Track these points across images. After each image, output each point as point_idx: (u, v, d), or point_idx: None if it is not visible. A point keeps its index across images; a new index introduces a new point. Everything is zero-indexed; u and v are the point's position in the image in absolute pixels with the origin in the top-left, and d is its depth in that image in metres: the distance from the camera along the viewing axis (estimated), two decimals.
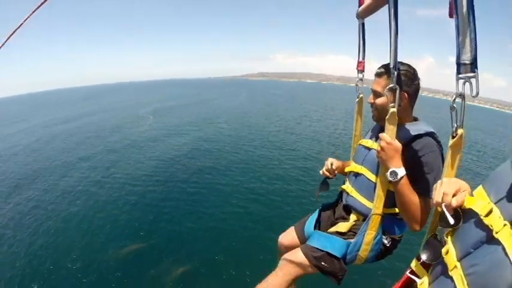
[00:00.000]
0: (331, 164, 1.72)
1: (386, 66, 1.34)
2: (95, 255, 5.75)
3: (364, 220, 1.47)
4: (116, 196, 8.26)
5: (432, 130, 1.31)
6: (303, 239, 1.77)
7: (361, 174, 1.52)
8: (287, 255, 1.58)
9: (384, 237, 1.44)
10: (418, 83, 1.34)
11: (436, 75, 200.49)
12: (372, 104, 1.45)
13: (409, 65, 1.33)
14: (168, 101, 38.35)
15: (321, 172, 1.76)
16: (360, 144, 1.65)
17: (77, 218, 7.18)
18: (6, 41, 1.19)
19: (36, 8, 1.17)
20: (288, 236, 1.90)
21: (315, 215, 1.83)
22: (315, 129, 19.15)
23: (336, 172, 1.73)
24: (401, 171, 1.19)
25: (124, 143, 14.57)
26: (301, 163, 11.32)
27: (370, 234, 1.40)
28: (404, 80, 1.28)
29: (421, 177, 1.23)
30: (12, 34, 1.18)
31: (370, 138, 1.57)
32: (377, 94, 1.40)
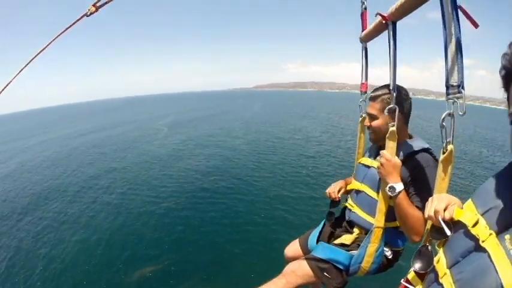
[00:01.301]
0: (334, 191, 1.81)
1: (379, 90, 1.47)
2: (114, 274, 5.37)
3: (366, 234, 1.54)
4: (137, 210, 7.96)
5: (428, 146, 1.39)
6: (306, 251, 1.85)
7: (362, 191, 1.60)
8: (292, 264, 1.64)
9: (385, 249, 1.50)
10: (410, 102, 1.46)
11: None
12: (369, 127, 1.55)
13: (400, 86, 1.42)
14: (183, 113, 38.78)
15: (326, 192, 1.85)
16: (360, 163, 1.74)
17: (95, 234, 6.93)
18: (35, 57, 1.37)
19: (64, 30, 1.35)
20: (293, 247, 1.99)
21: (318, 229, 1.91)
22: (331, 138, 18.91)
23: (339, 195, 1.81)
24: (399, 186, 1.26)
25: (140, 155, 14.55)
26: (323, 169, 10.99)
27: (372, 247, 1.47)
28: (402, 104, 1.39)
29: (419, 191, 1.30)
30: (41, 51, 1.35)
31: (369, 157, 1.66)
32: (373, 117, 1.50)
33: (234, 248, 5.96)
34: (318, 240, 1.82)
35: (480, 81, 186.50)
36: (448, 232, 0.82)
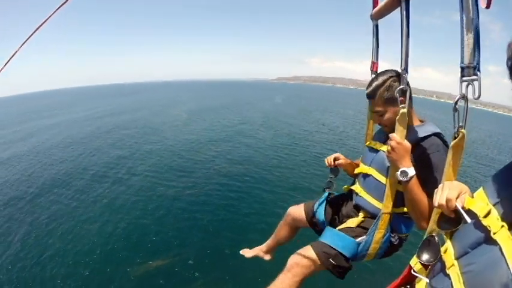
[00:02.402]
0: (334, 158, 1.86)
1: (372, 85, 1.43)
2: (116, 265, 5.15)
3: (371, 218, 1.53)
4: (145, 198, 7.66)
5: (439, 131, 1.34)
6: (309, 216, 1.90)
7: (370, 175, 1.56)
8: (294, 257, 1.53)
9: (391, 235, 1.48)
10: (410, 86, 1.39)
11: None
12: (380, 123, 1.51)
13: (397, 71, 1.38)
14: (204, 101, 38.85)
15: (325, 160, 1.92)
16: (368, 146, 1.69)
17: (100, 220, 6.65)
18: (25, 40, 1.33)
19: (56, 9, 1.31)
20: (298, 209, 2.01)
21: (322, 201, 1.88)
22: (343, 131, 18.65)
23: (335, 164, 1.86)
24: (411, 171, 1.23)
25: (159, 141, 14.61)
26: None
27: (379, 233, 1.45)
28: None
29: (429, 177, 1.26)
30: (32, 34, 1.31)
31: (378, 140, 1.61)
32: (379, 113, 1.45)
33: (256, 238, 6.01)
34: (325, 218, 1.82)
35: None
36: (469, 220, 0.77)
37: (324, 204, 1.86)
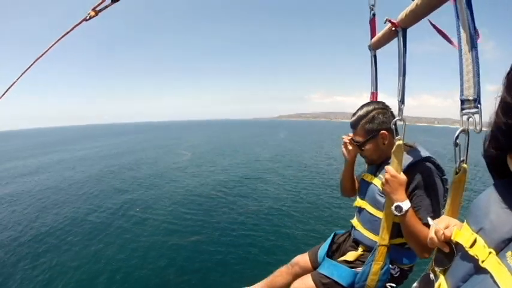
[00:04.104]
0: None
1: (356, 115, 1.47)
2: None
3: (370, 251, 1.48)
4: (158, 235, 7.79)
5: (429, 154, 1.31)
6: (315, 264, 1.83)
7: (364, 208, 1.54)
8: (296, 282, 1.65)
9: (391, 267, 1.42)
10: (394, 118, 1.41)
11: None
12: (361, 155, 1.54)
13: (383, 103, 1.43)
14: (209, 139, 39.47)
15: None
16: (361, 179, 1.65)
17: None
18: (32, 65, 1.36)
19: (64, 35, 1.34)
20: (304, 258, 1.94)
21: (327, 242, 1.85)
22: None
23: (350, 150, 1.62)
24: (406, 205, 1.19)
25: (162, 177, 14.59)
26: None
27: (377, 264, 1.40)
28: (383, 120, 1.40)
29: (424, 204, 1.23)
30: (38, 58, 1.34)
31: (370, 172, 1.58)
32: (360, 143, 1.47)
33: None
34: (327, 255, 1.78)
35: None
36: (447, 249, 0.77)
37: (328, 243, 1.83)
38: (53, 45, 1.48)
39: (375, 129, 1.39)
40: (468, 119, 0.85)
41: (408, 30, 1.22)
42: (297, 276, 1.97)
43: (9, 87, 1.54)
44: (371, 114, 1.40)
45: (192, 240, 7.74)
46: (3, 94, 1.47)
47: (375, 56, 1.67)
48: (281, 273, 1.99)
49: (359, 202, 1.60)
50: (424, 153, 1.31)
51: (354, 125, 1.48)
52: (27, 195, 12.66)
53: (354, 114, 1.48)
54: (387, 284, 1.43)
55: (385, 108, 1.43)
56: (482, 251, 0.65)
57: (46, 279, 6.43)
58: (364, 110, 1.43)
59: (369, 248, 1.50)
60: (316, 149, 26.13)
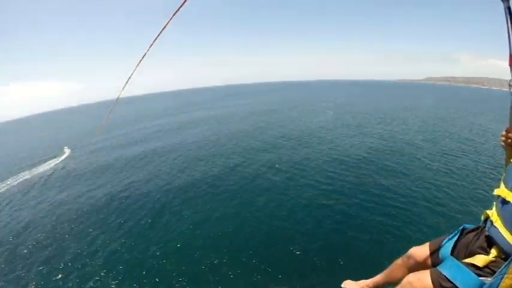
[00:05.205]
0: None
1: None
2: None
3: (505, 259, 1.21)
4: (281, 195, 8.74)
5: None
6: (435, 259, 1.62)
7: (509, 201, 1.25)
8: (411, 276, 1.50)
9: None
10: None
11: None
12: None
13: None
14: (350, 98, 39.36)
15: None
16: None
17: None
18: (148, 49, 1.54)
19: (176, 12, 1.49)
20: (422, 250, 1.75)
21: (454, 237, 1.62)
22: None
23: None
24: None
25: (303, 135, 15.37)
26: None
27: (509, 279, 1.12)
28: None
29: None
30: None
31: None
32: None
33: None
34: (452, 252, 1.54)
35: None
36: None
37: (455, 239, 1.60)
38: (170, 19, 1.67)
39: None
40: None
41: None
42: (410, 269, 1.80)
43: (144, 55, 1.99)
44: None
45: (336, 201, 8.07)
46: (142, 58, 1.94)
47: (509, 8, 1.34)
48: (397, 267, 1.90)
49: (504, 191, 1.28)
50: None
51: None
52: (191, 145, 15.81)
53: None
54: None
55: None
56: None
57: (202, 220, 8.05)
58: None
59: (505, 254, 1.23)
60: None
